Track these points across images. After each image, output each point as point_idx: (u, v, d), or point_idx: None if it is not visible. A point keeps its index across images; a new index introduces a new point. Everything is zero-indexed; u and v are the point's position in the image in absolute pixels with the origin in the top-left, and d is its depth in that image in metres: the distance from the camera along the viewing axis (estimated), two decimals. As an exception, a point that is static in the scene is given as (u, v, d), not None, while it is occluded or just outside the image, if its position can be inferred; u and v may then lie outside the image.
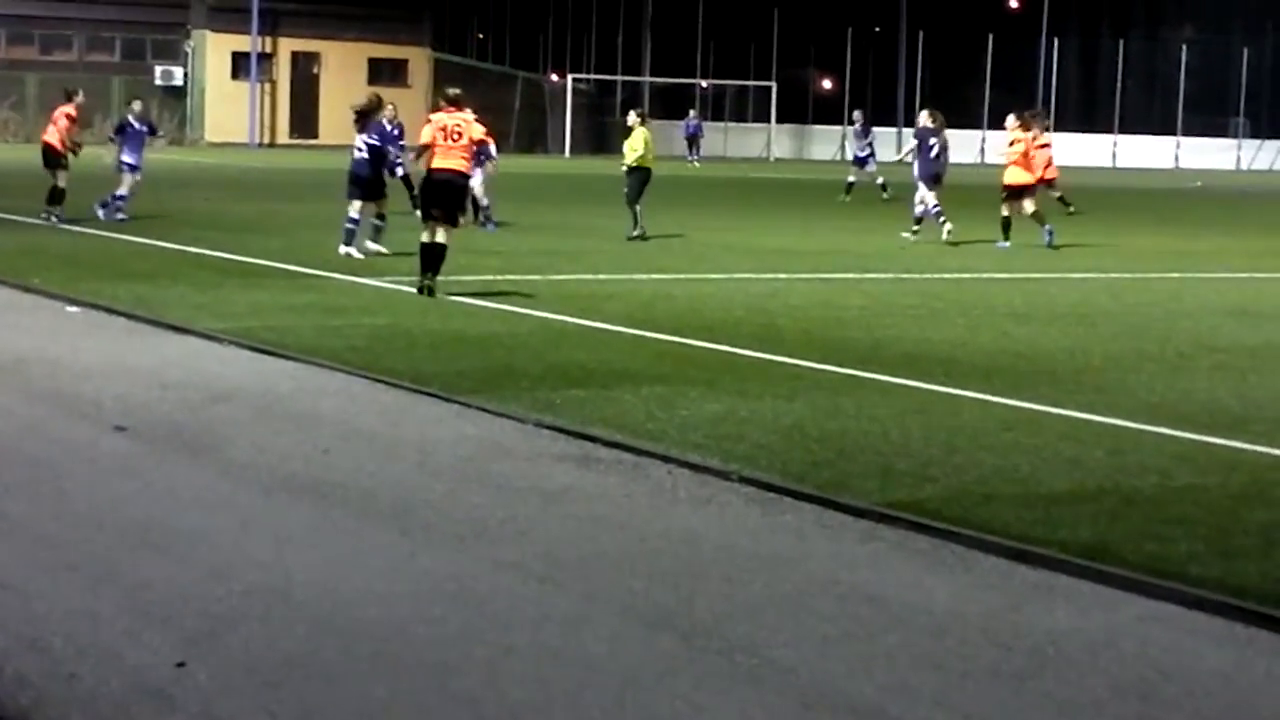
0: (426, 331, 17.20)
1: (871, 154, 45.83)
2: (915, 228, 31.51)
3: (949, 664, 7.46)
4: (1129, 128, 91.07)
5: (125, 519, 9.53)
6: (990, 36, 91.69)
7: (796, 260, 26.69)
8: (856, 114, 48.37)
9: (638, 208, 30.62)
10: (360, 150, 25.26)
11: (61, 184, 30.07)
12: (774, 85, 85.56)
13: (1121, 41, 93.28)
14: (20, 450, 11.36)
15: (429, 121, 20.71)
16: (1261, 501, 10.54)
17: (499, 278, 22.06)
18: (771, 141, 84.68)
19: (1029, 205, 30.56)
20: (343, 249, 24.74)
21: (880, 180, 44.40)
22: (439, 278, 20.15)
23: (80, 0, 79.35)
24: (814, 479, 10.77)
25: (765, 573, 8.81)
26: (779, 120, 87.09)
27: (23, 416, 12.63)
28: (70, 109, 30.79)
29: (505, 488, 10.58)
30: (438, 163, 20.39)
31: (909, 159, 33.34)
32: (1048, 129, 40.48)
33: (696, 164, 70.74)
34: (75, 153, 30.72)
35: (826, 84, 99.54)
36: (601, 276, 22.46)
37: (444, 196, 20.39)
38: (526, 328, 17.82)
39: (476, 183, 28.16)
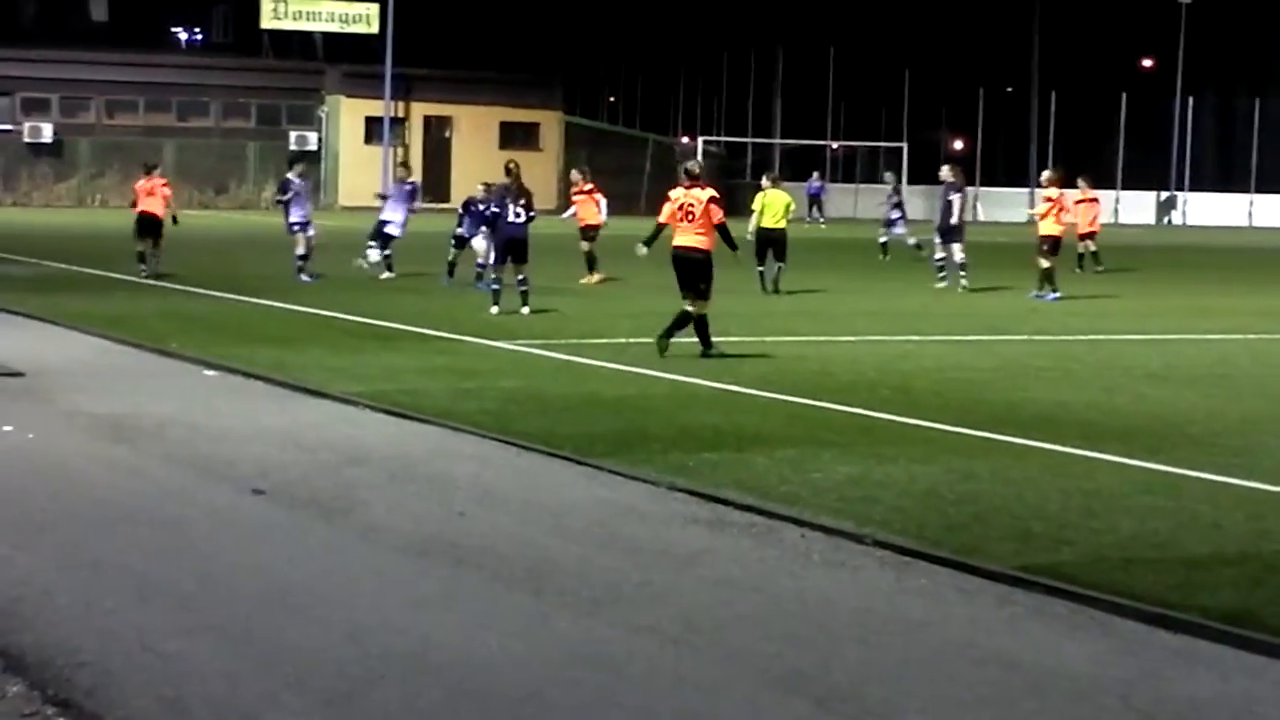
0: (559, 395, 17.26)
1: (902, 215, 45.57)
2: (940, 274, 34.38)
3: (1088, 731, 7.39)
4: (1266, 187, 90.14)
5: (263, 581, 9.61)
6: (1123, 95, 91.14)
7: (928, 322, 26.58)
8: (888, 175, 48.95)
9: (761, 269, 32.03)
10: (519, 216, 25.71)
11: (153, 249, 32.88)
12: (904, 146, 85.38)
13: (1258, 100, 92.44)
14: (160, 513, 11.49)
15: (668, 199, 21.40)
16: (1406, 566, 10.37)
17: (631, 340, 22.10)
18: (904, 202, 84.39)
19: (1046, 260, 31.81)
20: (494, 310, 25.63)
21: (913, 240, 44.09)
22: (709, 351, 20.70)
23: (217, 69, 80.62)
24: (949, 543, 10.71)
25: (901, 637, 8.76)
26: (910, 181, 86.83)
27: (162, 480, 12.79)
28: (162, 181, 34.01)
29: (639, 551, 10.59)
30: (677, 241, 21.01)
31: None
32: (1092, 185, 43.21)
33: (822, 224, 70.82)
34: (175, 221, 33.77)
35: (958, 144, 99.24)
36: (733, 339, 22.43)
37: (685, 273, 20.91)
38: (659, 390, 17.85)
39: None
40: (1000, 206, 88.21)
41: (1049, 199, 32.64)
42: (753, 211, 32.80)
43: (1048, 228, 32.15)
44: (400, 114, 79.00)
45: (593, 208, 34.04)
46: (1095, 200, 42.59)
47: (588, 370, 19.42)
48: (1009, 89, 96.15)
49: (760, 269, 31.81)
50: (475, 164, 65.58)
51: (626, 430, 15.03)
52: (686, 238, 20.92)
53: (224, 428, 14.96)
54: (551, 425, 15.14)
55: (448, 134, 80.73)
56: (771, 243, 32.11)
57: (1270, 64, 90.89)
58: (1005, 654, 8.51)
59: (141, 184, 33.89)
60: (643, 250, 21.77)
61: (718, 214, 21.03)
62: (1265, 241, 66.52)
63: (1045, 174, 34.03)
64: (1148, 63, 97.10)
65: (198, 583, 9.58)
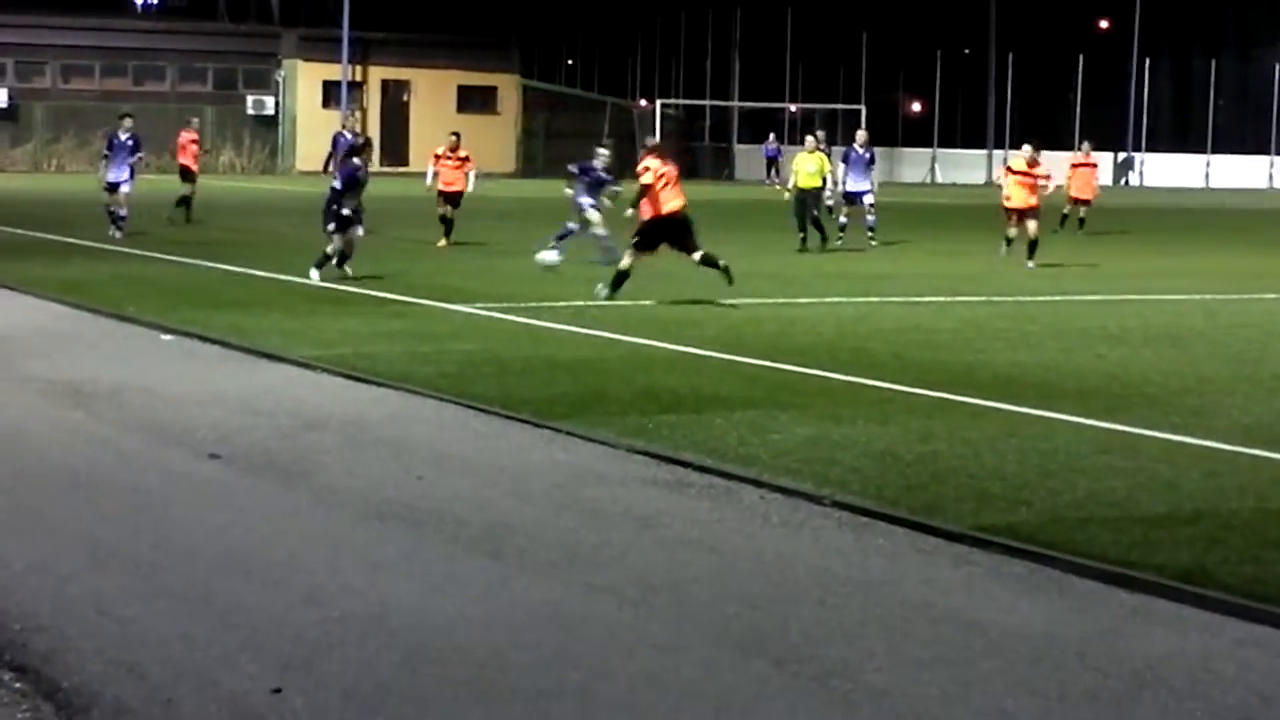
0: (518, 357, 17.24)
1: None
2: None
3: (1045, 689, 7.41)
4: (1222, 148, 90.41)
5: (220, 546, 9.59)
6: (1080, 58, 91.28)
7: (887, 284, 26.61)
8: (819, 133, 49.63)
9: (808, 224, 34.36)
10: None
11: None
12: (863, 109, 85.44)
13: (1214, 61, 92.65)
14: (116, 478, 11.46)
15: (647, 169, 23.15)
16: (1361, 524, 10.42)
17: (591, 304, 22.09)
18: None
19: (1033, 226, 30.66)
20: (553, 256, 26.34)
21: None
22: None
23: (173, 33, 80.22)
24: (907, 503, 10.73)
25: (858, 597, 8.78)
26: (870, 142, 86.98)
27: (119, 445, 12.74)
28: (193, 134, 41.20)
29: (598, 513, 10.59)
30: (671, 205, 23.09)
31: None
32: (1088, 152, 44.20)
33: (778, 186, 70.84)
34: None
35: (916, 107, 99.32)
36: (691, 301, 22.44)
37: (678, 231, 23.19)
38: (617, 353, 17.84)
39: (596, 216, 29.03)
40: (958, 168, 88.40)
41: (1021, 171, 31.20)
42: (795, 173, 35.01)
43: (1020, 199, 30.89)
44: (358, 78, 78.71)
45: (462, 175, 33.80)
46: (1094, 165, 42.56)
47: (545, 333, 19.40)
48: (966, 51, 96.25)
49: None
50: (432, 128, 65.50)
51: (584, 393, 15.03)
52: (678, 201, 23.10)
53: (181, 392, 14.91)
54: (509, 388, 15.12)
55: (405, 98, 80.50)
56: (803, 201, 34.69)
57: (1226, 25, 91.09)
58: (963, 613, 8.53)
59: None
60: (631, 213, 23.58)
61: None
62: (1221, 202, 66.73)
63: (1026, 149, 31.72)
64: (1104, 24, 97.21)
65: (154, 547, 9.54)
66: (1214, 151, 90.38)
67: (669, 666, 7.60)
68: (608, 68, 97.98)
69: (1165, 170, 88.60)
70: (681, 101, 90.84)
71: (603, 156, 30.40)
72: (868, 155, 36.61)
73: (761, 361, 17.13)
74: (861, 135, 37.67)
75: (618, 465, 12.03)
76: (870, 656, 7.80)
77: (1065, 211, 41.61)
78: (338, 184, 24.95)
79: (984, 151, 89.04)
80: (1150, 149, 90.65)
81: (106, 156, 33.80)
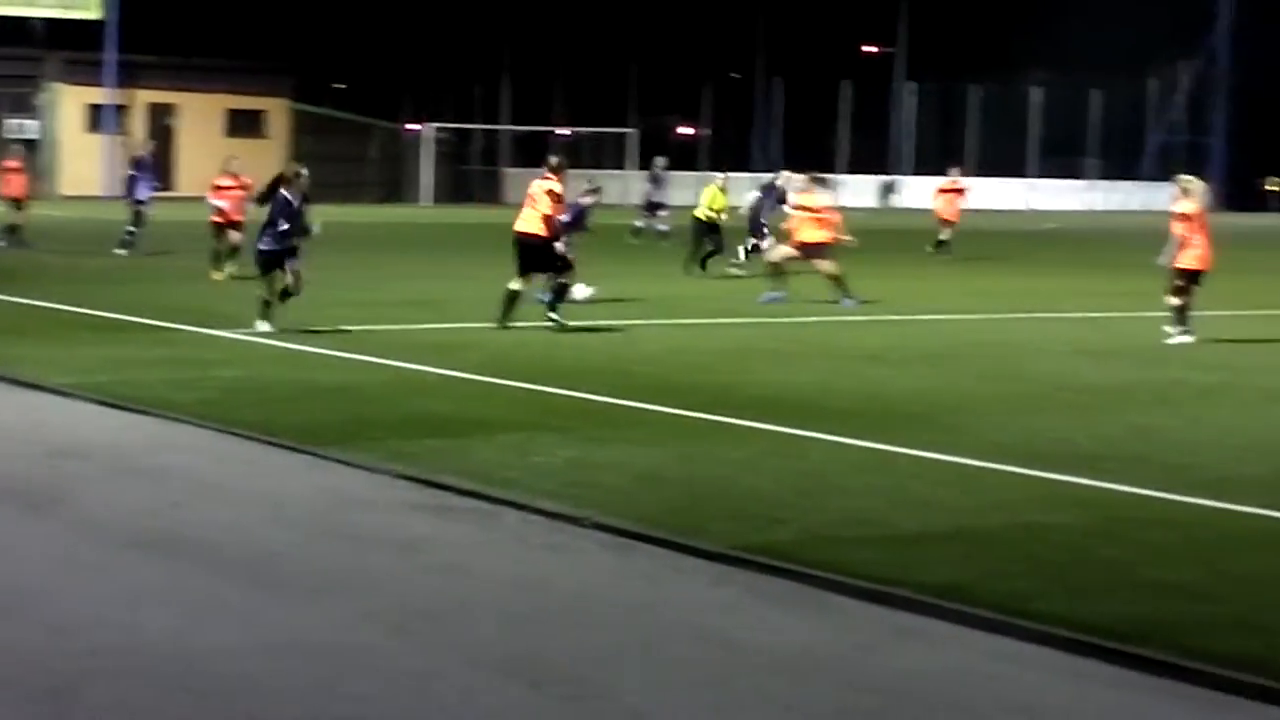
0: (281, 383, 17.08)
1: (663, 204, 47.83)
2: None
3: (802, 706, 7.49)
4: (985, 170, 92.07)
5: (-30, 578, 9.38)
6: (847, 82, 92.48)
7: (651, 307, 26.72)
8: (659, 160, 50.81)
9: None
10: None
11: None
12: (631, 132, 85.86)
13: (976, 86, 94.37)
14: None
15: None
16: (1108, 538, 10.67)
17: (357, 328, 21.94)
18: (629, 189, 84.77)
19: (826, 265, 28.44)
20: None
21: (665, 228, 45.59)
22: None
23: (-70, 54, 78.46)
24: (668, 524, 10.78)
25: (619, 618, 8.81)
26: (640, 167, 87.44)
27: None
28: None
29: (360, 539, 10.53)
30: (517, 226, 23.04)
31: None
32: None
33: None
34: None
35: (686, 131, 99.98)
36: (459, 325, 22.39)
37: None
38: (382, 378, 17.74)
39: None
40: (730, 191, 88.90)
41: (804, 206, 29.18)
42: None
43: (808, 234, 28.43)
44: (124, 102, 77.51)
45: (243, 204, 32.22)
46: (960, 191, 42.79)
47: (310, 358, 19.23)
48: (736, 76, 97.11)
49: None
50: (200, 152, 64.71)
51: (348, 418, 14.92)
52: (521, 223, 23.00)
53: (-67, 422, 14.58)
54: (272, 414, 14.97)
55: (170, 121, 79.42)
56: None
57: (987, 51, 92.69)
58: (723, 633, 8.60)
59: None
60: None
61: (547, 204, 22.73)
62: (984, 224, 67.88)
63: (797, 177, 30.83)
64: (870, 49, 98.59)
65: (-99, 581, 9.32)
66: (978, 175, 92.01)
67: (428, 692, 7.58)
68: (378, 91, 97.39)
69: (930, 193, 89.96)
70: (452, 125, 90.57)
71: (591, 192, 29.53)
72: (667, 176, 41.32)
73: (526, 385, 17.13)
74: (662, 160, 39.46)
75: (380, 490, 11.97)
76: (630, 678, 7.83)
77: (940, 238, 41.84)
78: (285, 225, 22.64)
79: (750, 175, 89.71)
80: (918, 172, 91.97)
81: None
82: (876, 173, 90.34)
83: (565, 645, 8.31)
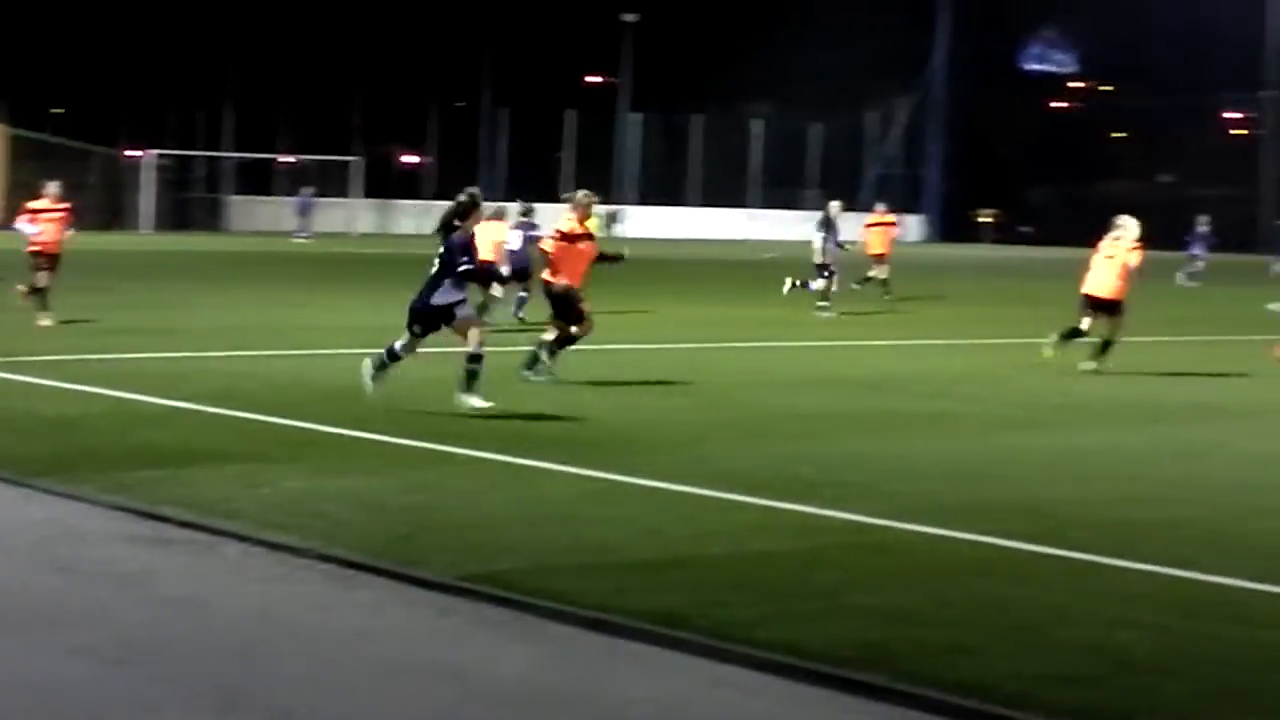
0: (-4, 413, 16.71)
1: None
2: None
3: (524, 735, 7.51)
4: (708, 201, 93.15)
5: None
6: (571, 111, 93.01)
7: (376, 336, 26.50)
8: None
9: None
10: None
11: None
12: (356, 160, 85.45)
13: (699, 116, 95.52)
14: None
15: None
16: (827, 565, 10.86)
17: (75, 357, 21.54)
18: (356, 217, 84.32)
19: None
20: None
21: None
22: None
23: None
24: (392, 554, 10.75)
25: (343, 650, 8.76)
26: (367, 194, 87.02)
27: None
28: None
29: (76, 571, 10.34)
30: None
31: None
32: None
33: (304, 239, 71.24)
34: None
35: (411, 159, 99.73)
36: (182, 354, 22.09)
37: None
38: (101, 408, 17.44)
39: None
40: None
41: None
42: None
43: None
44: None
45: (62, 231, 30.72)
46: (892, 224, 41.69)
47: (29, 389, 18.84)
48: (461, 104, 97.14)
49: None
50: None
51: (66, 449, 14.64)
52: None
53: None
54: (-14, 446, 14.64)
55: (-120, 146, 77.24)
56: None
57: (711, 83, 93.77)
58: (447, 664, 8.59)
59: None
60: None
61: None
62: (708, 254, 68.59)
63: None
64: (595, 79, 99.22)
65: None
66: (702, 204, 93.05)
67: (145, 727, 7.48)
68: (97, 116, 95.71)
69: (653, 221, 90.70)
70: (174, 152, 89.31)
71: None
72: None
73: (252, 415, 16.96)
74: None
75: (97, 522, 11.77)
76: (353, 710, 7.79)
77: (870, 274, 40.12)
78: None
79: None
80: (642, 201, 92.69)
81: None
82: (601, 202, 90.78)
83: (287, 678, 8.25)
